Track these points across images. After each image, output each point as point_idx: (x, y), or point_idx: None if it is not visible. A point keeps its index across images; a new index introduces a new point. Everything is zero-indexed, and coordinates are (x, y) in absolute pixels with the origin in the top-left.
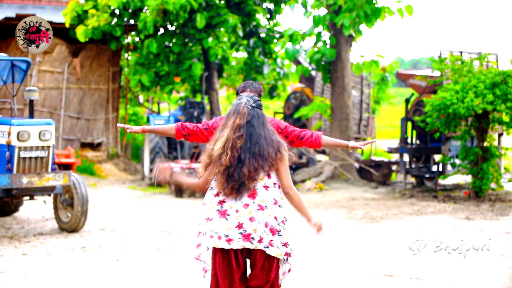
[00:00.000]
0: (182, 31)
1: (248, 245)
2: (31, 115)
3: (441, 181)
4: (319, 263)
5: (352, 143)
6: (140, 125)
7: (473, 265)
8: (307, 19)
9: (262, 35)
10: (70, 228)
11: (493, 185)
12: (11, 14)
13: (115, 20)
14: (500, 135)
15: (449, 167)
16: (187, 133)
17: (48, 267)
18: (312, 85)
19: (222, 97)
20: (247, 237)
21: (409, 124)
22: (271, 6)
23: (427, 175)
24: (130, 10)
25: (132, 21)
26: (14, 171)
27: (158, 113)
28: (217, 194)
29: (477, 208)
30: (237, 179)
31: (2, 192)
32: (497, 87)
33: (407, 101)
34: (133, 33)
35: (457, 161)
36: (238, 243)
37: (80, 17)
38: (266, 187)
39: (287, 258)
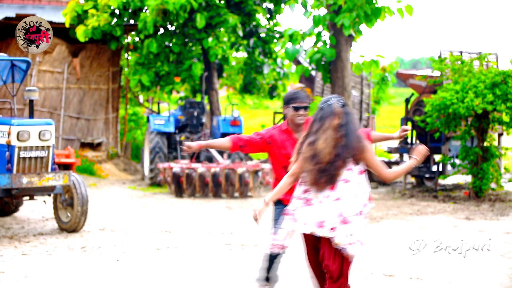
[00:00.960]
0: (182, 31)
1: (319, 232)
2: (31, 115)
3: (441, 181)
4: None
5: (397, 133)
6: (140, 125)
7: (473, 265)
8: (307, 19)
9: (262, 35)
10: (70, 228)
11: (493, 185)
12: (11, 14)
13: (115, 20)
14: (500, 135)
15: (449, 167)
16: (243, 144)
17: (48, 267)
18: (312, 85)
19: (222, 97)
20: (320, 224)
21: (409, 124)
22: (271, 6)
23: (427, 175)
24: (130, 10)
25: (132, 21)
26: (14, 171)
27: (158, 113)
28: (306, 190)
29: (477, 208)
30: (332, 173)
31: (2, 192)
32: (497, 87)
33: (407, 101)
34: (133, 33)
35: (457, 161)
36: (310, 228)
37: (80, 17)
38: (346, 180)
39: (350, 248)
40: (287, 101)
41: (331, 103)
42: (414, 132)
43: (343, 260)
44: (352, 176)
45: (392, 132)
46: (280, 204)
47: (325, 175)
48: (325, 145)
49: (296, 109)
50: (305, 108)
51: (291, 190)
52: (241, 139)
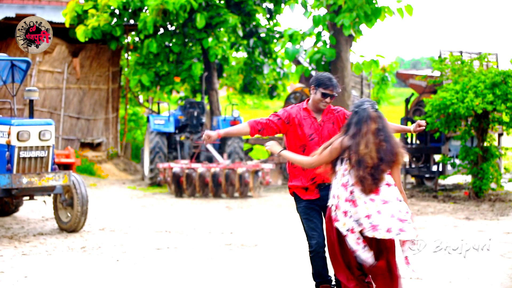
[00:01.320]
0: (182, 31)
1: (377, 235)
2: (31, 115)
3: (441, 181)
4: None
5: (412, 127)
6: (140, 125)
7: (473, 265)
8: (307, 19)
9: (262, 35)
10: (70, 228)
11: (493, 185)
12: (11, 14)
13: (115, 20)
14: (500, 135)
15: (449, 167)
16: (261, 128)
17: (48, 267)
18: None
19: (222, 97)
20: (374, 227)
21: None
22: (271, 6)
23: (427, 175)
24: (130, 10)
25: (132, 21)
26: (14, 171)
27: (158, 113)
28: (351, 192)
29: (477, 208)
30: (377, 178)
31: (2, 192)
32: (497, 87)
33: (407, 101)
34: (133, 33)
35: (457, 161)
36: (367, 233)
37: (80, 17)
38: (388, 184)
39: (413, 242)
40: (318, 84)
41: (366, 107)
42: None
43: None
44: (391, 180)
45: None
46: (300, 200)
47: (372, 179)
48: (368, 150)
49: (325, 95)
50: (332, 97)
51: (300, 174)
52: (259, 122)
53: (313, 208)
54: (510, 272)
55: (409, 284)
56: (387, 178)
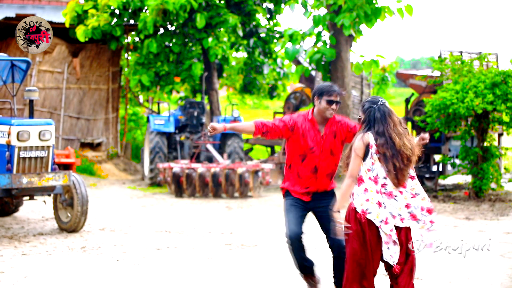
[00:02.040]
0: (182, 31)
1: (415, 225)
2: (31, 115)
3: (441, 181)
4: (319, 262)
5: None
6: (140, 125)
7: (473, 265)
8: (307, 19)
9: (262, 35)
10: (70, 228)
11: (493, 185)
12: (11, 14)
13: (115, 20)
14: (500, 135)
15: (449, 167)
16: (266, 130)
17: (48, 267)
18: (312, 85)
19: (222, 97)
20: (414, 217)
21: (409, 124)
22: (271, 6)
23: (427, 175)
24: (130, 10)
25: (132, 21)
26: (14, 171)
27: (158, 113)
28: (383, 185)
29: (477, 208)
30: (407, 169)
31: (2, 192)
32: (497, 87)
33: (407, 101)
34: (133, 33)
35: (457, 161)
36: (405, 223)
37: (80, 17)
38: (412, 177)
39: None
40: (321, 93)
41: (383, 102)
42: (414, 132)
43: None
44: (413, 172)
45: None
46: (290, 195)
47: (404, 171)
48: (403, 142)
49: (330, 102)
50: (337, 103)
51: (295, 181)
52: (264, 125)
53: (299, 205)
54: (510, 272)
55: None
56: (411, 170)
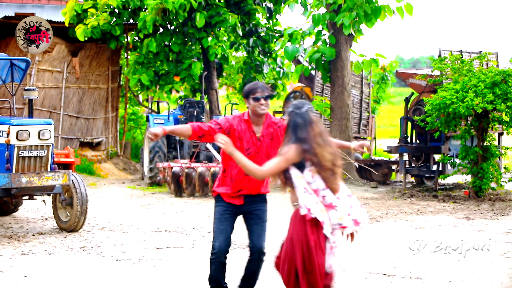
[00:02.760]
0: (182, 30)
1: (358, 229)
2: (30, 115)
3: (441, 181)
4: None
5: (354, 144)
6: (140, 125)
7: (473, 265)
8: (306, 18)
9: (262, 34)
10: (69, 227)
11: (493, 184)
12: (10, 13)
13: (114, 19)
14: (500, 134)
15: (449, 167)
16: (202, 134)
17: (47, 266)
18: (311, 84)
19: (221, 97)
20: (356, 222)
21: (409, 124)
22: (270, 5)
23: (427, 175)
24: (129, 9)
25: (131, 20)
26: (14, 170)
27: (158, 112)
28: (323, 196)
29: (477, 208)
30: (338, 175)
31: (1, 192)
32: (497, 86)
33: (407, 100)
34: (132, 32)
35: (457, 161)
36: (349, 229)
37: (80, 16)
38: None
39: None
40: (247, 94)
41: (308, 109)
42: (414, 132)
43: None
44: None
45: (391, 131)
46: (222, 201)
47: (334, 179)
48: (322, 153)
49: (257, 99)
50: (266, 98)
51: (228, 185)
52: (201, 128)
53: (230, 213)
54: (510, 272)
55: (409, 284)
56: None
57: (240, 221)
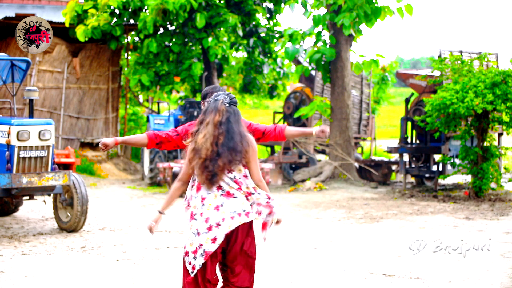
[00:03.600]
0: (182, 31)
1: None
2: (31, 115)
3: (441, 181)
4: (318, 262)
5: (315, 130)
6: (140, 125)
7: (473, 265)
8: (307, 18)
9: (262, 34)
10: (69, 228)
11: (493, 185)
12: (11, 13)
13: (114, 19)
14: (500, 134)
15: (449, 167)
16: (160, 141)
17: (47, 267)
18: (312, 84)
19: None
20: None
21: (409, 124)
22: (271, 5)
23: (427, 175)
24: (130, 10)
25: (132, 21)
26: (14, 170)
27: (158, 112)
28: (198, 189)
29: (477, 208)
30: (211, 170)
31: (1, 192)
32: (497, 86)
33: (407, 100)
34: (133, 32)
35: (457, 161)
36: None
37: (80, 17)
38: (235, 181)
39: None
40: (204, 96)
41: (218, 99)
42: (414, 132)
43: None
44: (239, 178)
45: (392, 132)
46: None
47: (207, 171)
48: (204, 140)
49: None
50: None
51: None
52: (158, 136)
53: None
54: (510, 272)
55: (409, 284)
56: (234, 174)
57: None
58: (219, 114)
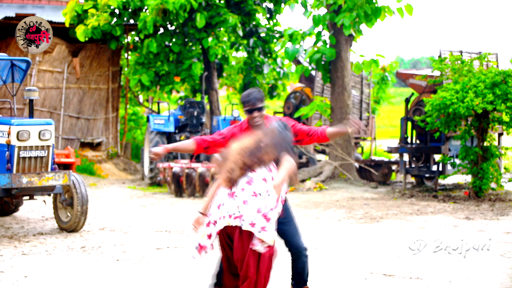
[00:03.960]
0: (182, 31)
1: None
2: (31, 115)
3: (441, 181)
4: (319, 262)
5: (350, 128)
6: (140, 125)
7: (473, 265)
8: (307, 19)
9: (262, 34)
10: (69, 228)
11: (493, 185)
12: (11, 13)
13: (115, 19)
14: (500, 134)
15: (449, 167)
16: (207, 146)
17: (47, 267)
18: (312, 84)
19: (222, 97)
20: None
21: (409, 124)
22: (271, 5)
23: (427, 175)
24: (130, 10)
25: (132, 21)
26: (14, 170)
27: (158, 112)
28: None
29: (477, 208)
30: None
31: (2, 192)
32: (497, 86)
33: (407, 100)
34: (133, 32)
35: (457, 161)
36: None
37: (80, 17)
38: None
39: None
40: (242, 104)
41: (273, 125)
42: (414, 132)
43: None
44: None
45: (392, 132)
46: None
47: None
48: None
49: (249, 112)
50: (259, 109)
51: None
52: (205, 140)
53: None
54: (510, 272)
55: (409, 284)
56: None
57: None
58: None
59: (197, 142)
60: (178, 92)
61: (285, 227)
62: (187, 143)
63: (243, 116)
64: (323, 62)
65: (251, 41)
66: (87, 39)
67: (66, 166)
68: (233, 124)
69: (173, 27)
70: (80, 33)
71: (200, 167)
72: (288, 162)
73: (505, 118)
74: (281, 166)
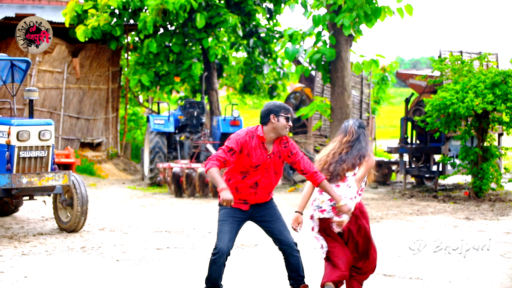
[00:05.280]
0: (182, 31)
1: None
2: (31, 115)
3: (441, 181)
4: (318, 262)
5: (343, 206)
6: (140, 125)
7: (473, 265)
8: (307, 19)
9: (262, 35)
10: (69, 228)
11: (493, 185)
12: (11, 13)
13: (114, 20)
14: (500, 135)
15: (449, 167)
16: (224, 161)
17: (47, 267)
18: (312, 85)
19: (222, 97)
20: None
21: (409, 124)
22: (271, 6)
23: (427, 175)
24: (130, 10)
25: (132, 21)
26: (14, 171)
27: (158, 113)
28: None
29: (477, 208)
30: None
31: (1, 192)
32: (497, 87)
33: (407, 101)
34: (133, 33)
35: (457, 161)
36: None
37: (80, 17)
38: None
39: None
40: (277, 111)
41: (348, 123)
42: (414, 132)
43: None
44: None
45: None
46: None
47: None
48: (326, 154)
49: (288, 119)
50: (291, 120)
51: (233, 194)
52: (221, 158)
53: (236, 216)
54: (510, 272)
55: (409, 284)
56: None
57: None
58: (349, 135)
59: (219, 166)
60: (178, 92)
61: (273, 225)
62: (217, 172)
63: (243, 116)
64: (323, 62)
65: (251, 41)
66: (87, 39)
67: (66, 166)
68: (235, 134)
69: (173, 27)
70: (80, 33)
71: (200, 167)
72: (370, 159)
73: (505, 118)
74: (363, 163)
